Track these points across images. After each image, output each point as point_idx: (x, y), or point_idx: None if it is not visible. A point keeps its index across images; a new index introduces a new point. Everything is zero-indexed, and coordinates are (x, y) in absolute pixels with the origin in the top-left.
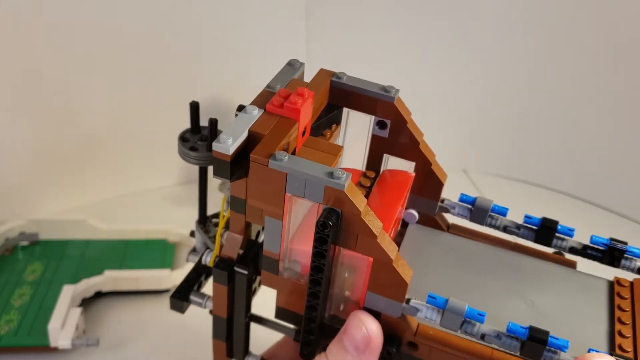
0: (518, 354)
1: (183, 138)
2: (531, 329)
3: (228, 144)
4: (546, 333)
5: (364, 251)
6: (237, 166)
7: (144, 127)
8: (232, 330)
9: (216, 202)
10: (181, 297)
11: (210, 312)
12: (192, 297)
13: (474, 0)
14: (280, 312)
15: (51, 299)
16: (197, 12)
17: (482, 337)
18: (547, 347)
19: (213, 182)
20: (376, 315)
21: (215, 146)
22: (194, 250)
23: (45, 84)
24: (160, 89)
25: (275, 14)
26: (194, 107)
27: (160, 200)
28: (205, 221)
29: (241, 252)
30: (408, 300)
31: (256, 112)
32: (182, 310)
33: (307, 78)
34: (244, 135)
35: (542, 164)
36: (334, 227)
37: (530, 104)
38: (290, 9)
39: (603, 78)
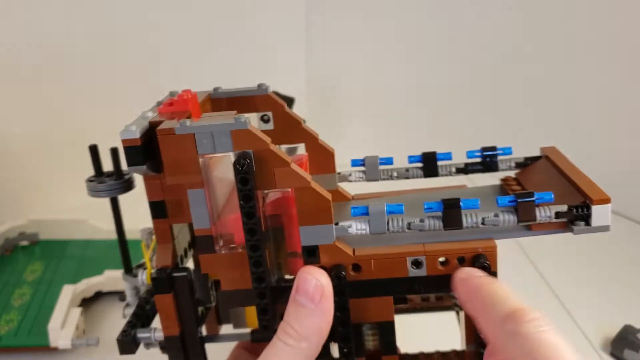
0: (444, 229)
1: (89, 181)
2: (444, 200)
3: (133, 129)
4: (457, 199)
5: (283, 184)
6: (147, 159)
7: None
8: (187, 352)
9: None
10: (129, 339)
11: (162, 349)
12: (140, 335)
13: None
14: (227, 298)
15: (51, 299)
16: (196, 15)
17: (409, 226)
18: (463, 211)
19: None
20: (314, 249)
21: (123, 135)
22: (127, 305)
23: (45, 84)
24: (161, 89)
25: (275, 18)
26: (93, 151)
27: None
28: (131, 270)
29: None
30: (337, 224)
31: (151, 114)
32: (133, 351)
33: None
34: (146, 123)
35: None
36: (250, 165)
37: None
38: (290, 13)
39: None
